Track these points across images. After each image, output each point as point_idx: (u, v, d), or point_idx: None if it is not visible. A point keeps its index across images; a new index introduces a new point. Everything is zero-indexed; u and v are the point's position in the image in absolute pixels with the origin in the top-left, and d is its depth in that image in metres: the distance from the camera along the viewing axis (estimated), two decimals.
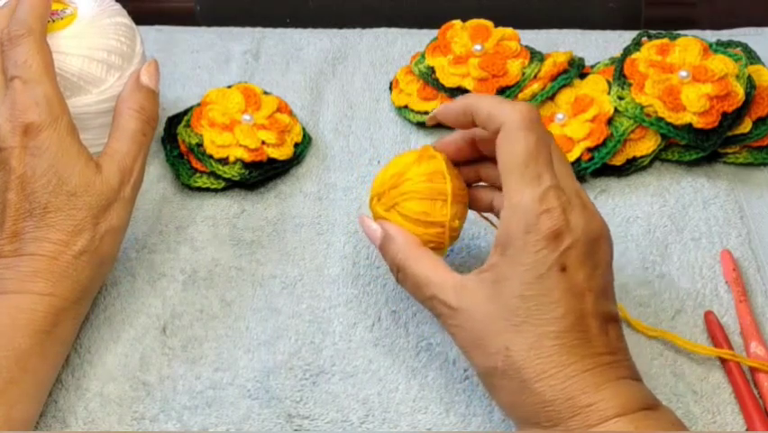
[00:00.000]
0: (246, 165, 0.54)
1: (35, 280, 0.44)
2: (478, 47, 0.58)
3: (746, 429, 0.43)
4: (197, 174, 0.55)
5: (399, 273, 0.44)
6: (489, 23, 0.60)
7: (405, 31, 0.67)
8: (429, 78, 0.58)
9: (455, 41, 0.59)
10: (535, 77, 0.57)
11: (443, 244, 0.45)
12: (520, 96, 0.57)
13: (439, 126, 0.58)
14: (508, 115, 0.41)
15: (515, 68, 0.57)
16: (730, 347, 0.46)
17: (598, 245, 0.41)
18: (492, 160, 0.43)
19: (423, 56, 0.60)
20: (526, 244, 0.39)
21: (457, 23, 0.60)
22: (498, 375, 0.40)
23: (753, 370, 0.45)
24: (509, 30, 0.59)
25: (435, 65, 0.58)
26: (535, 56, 0.58)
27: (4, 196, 0.45)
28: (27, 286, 0.44)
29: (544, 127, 0.42)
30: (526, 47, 0.58)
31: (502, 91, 0.57)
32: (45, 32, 0.47)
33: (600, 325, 0.40)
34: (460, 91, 0.57)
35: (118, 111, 0.49)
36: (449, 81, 0.57)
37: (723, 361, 0.45)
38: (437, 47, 0.59)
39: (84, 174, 0.46)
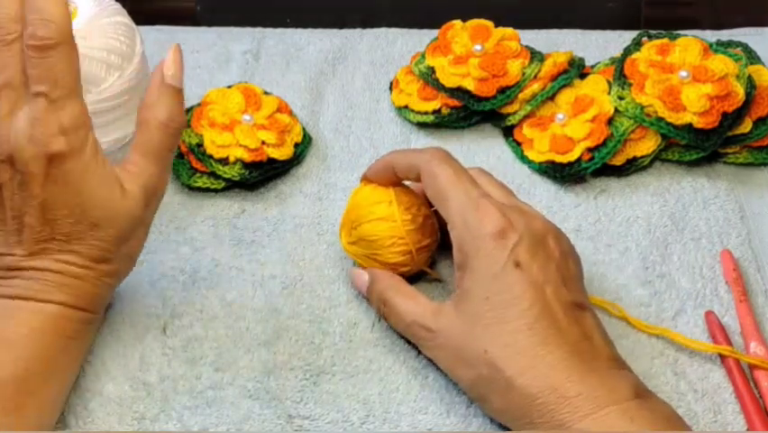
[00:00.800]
0: (246, 165, 0.54)
1: (62, 292, 0.43)
2: (478, 47, 0.58)
3: (747, 429, 0.43)
4: (197, 174, 0.55)
5: (384, 308, 0.46)
6: (490, 23, 0.59)
7: (405, 31, 0.67)
8: (429, 79, 0.58)
9: (455, 41, 0.59)
10: (536, 77, 0.57)
11: (413, 258, 0.48)
12: (520, 96, 0.57)
13: (438, 126, 0.59)
14: (421, 158, 0.46)
15: (515, 68, 0.57)
16: (731, 347, 0.46)
17: (545, 241, 0.43)
18: None
19: (423, 56, 0.60)
20: (478, 250, 0.42)
21: (457, 23, 0.60)
22: (484, 383, 0.41)
23: (752, 368, 0.45)
24: (509, 30, 0.59)
25: (436, 65, 0.58)
26: (536, 56, 0.58)
27: (23, 218, 0.42)
28: (54, 296, 0.43)
29: (457, 161, 0.46)
30: (527, 47, 0.58)
31: (503, 91, 0.57)
32: (73, 35, 0.42)
33: (568, 313, 0.41)
34: (460, 91, 0.57)
35: (143, 120, 0.44)
36: (449, 81, 0.57)
37: (723, 358, 0.45)
38: (437, 47, 0.59)
39: (108, 204, 0.43)
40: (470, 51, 0.58)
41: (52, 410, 0.43)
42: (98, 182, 0.42)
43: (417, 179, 0.46)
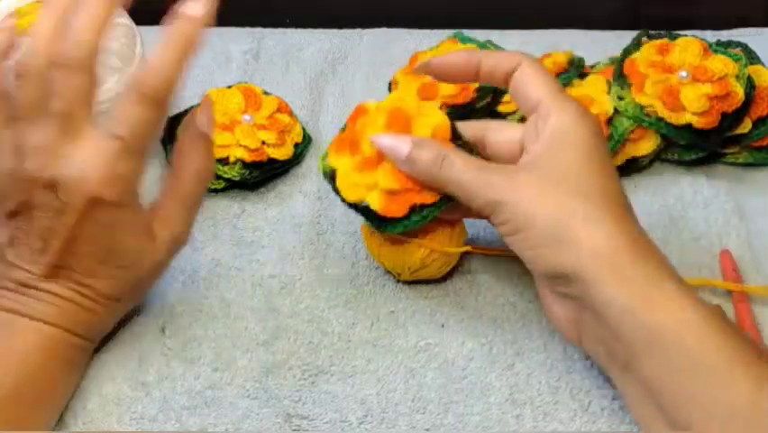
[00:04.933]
0: (246, 165, 0.54)
1: (68, 319, 0.43)
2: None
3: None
4: None
5: (444, 161, 0.43)
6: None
7: (405, 31, 0.67)
8: (329, 180, 0.47)
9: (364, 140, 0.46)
10: None
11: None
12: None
13: None
14: (524, 57, 0.44)
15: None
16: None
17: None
18: None
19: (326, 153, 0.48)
20: (577, 134, 0.42)
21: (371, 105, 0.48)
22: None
23: None
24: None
25: (338, 167, 0.46)
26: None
27: (48, 242, 0.42)
28: (60, 321, 0.43)
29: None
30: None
31: (415, 210, 0.45)
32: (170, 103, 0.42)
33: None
34: (359, 209, 0.46)
35: (179, 167, 0.45)
36: (350, 194, 0.46)
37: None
38: (344, 142, 0.47)
39: (137, 251, 0.44)
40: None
41: (48, 426, 0.43)
42: (132, 231, 0.43)
43: (500, 81, 0.45)
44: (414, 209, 0.45)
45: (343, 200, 0.46)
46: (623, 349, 0.39)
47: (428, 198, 0.44)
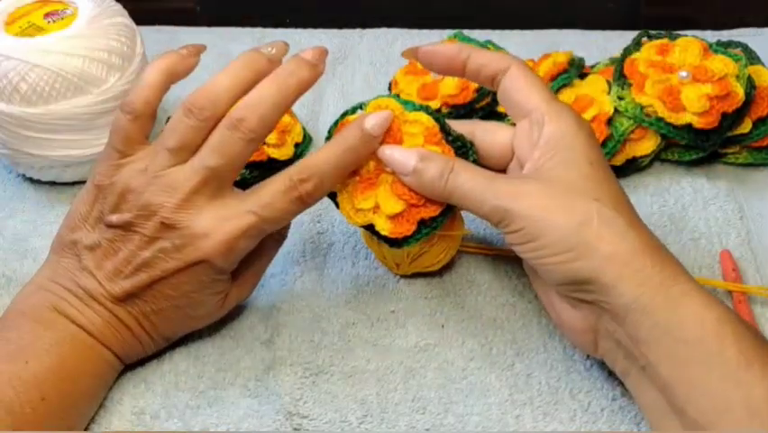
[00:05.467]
0: (246, 165, 0.54)
1: (120, 345, 0.44)
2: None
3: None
4: None
5: (450, 174, 0.43)
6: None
7: (405, 31, 0.67)
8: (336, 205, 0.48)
9: None
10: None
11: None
12: None
13: None
14: (513, 61, 0.44)
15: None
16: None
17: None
18: None
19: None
20: (576, 140, 0.42)
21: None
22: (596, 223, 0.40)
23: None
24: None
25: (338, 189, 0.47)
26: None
27: (136, 270, 0.43)
28: (109, 341, 0.44)
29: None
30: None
31: (424, 223, 0.45)
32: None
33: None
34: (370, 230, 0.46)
35: (267, 250, 0.47)
36: (357, 219, 0.46)
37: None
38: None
39: (209, 311, 0.45)
40: (379, 168, 0.45)
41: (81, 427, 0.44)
42: (215, 294, 0.45)
43: (485, 81, 0.45)
44: (422, 224, 0.45)
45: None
46: (642, 350, 0.39)
47: (432, 210, 0.45)
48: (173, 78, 0.45)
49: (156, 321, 0.44)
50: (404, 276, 0.50)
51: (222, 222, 0.42)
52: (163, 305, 0.44)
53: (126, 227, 0.43)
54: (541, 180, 0.42)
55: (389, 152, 0.44)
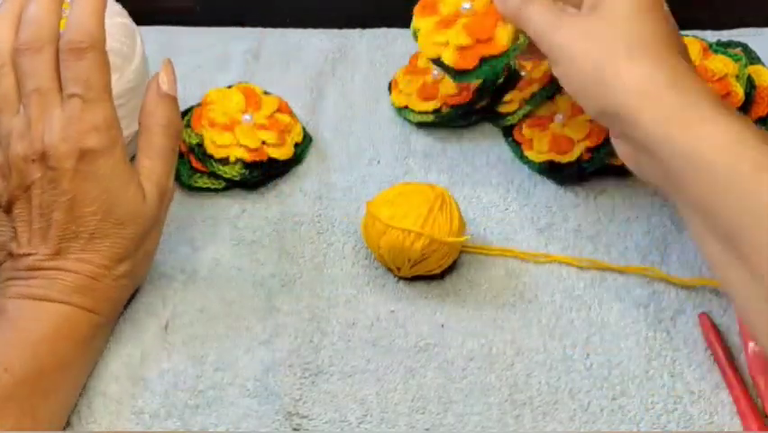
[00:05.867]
0: (246, 165, 0.54)
1: (78, 294, 0.44)
2: (466, 5, 0.51)
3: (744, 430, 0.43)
4: (198, 174, 0.55)
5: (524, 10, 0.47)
6: None
7: (405, 31, 0.67)
8: (415, 40, 0.52)
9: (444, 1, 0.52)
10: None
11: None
12: (519, 95, 0.57)
13: (438, 125, 0.59)
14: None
15: (503, 34, 0.49)
16: (724, 349, 0.46)
17: None
18: None
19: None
20: None
21: None
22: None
23: (749, 366, 0.45)
24: None
25: (421, 27, 0.52)
26: None
27: (51, 215, 0.44)
28: (71, 299, 0.44)
29: None
30: None
31: (486, 60, 0.49)
32: (106, 43, 0.45)
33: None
34: (438, 63, 0.51)
35: (145, 126, 0.47)
36: (430, 51, 0.51)
37: (717, 361, 0.45)
38: (426, 5, 0.53)
39: (132, 203, 0.45)
40: (457, 11, 0.51)
41: (65, 411, 0.44)
42: (125, 181, 0.45)
43: None
44: (483, 60, 0.49)
45: (424, 53, 0.51)
46: (670, 178, 0.41)
47: (495, 49, 0.49)
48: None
49: (96, 247, 0.45)
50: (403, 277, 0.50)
51: (63, 119, 0.44)
52: (90, 225, 0.44)
53: (17, 194, 0.44)
54: (591, 16, 0.44)
55: None
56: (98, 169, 0.44)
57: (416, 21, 0.52)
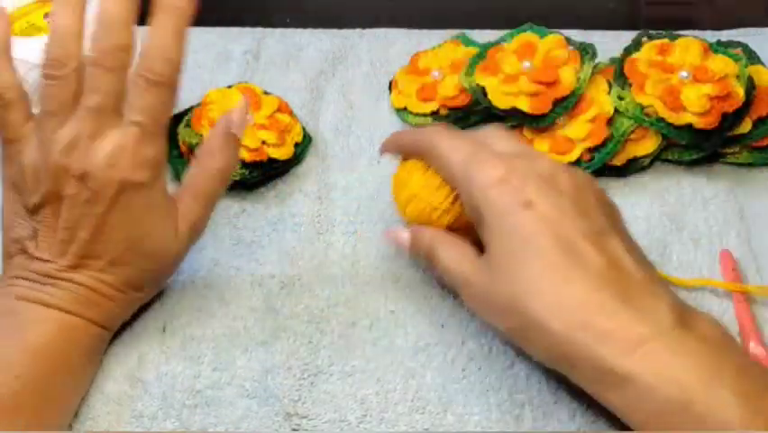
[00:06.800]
0: (246, 165, 0.54)
1: (89, 309, 0.44)
2: (527, 64, 0.55)
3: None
4: None
5: (431, 260, 0.45)
6: (534, 38, 0.58)
7: (405, 31, 0.67)
8: (481, 98, 0.56)
9: (504, 62, 0.57)
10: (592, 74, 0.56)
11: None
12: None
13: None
14: (423, 133, 0.46)
15: (567, 74, 0.55)
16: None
17: (555, 177, 0.42)
18: None
19: (471, 68, 0.57)
20: (486, 201, 0.41)
21: (507, 45, 0.58)
22: (519, 332, 0.40)
23: None
24: (554, 37, 0.57)
25: (486, 84, 0.56)
26: (585, 53, 0.57)
27: (76, 231, 0.43)
28: (82, 311, 0.44)
29: (457, 130, 0.47)
30: (575, 47, 0.57)
31: (558, 102, 0.54)
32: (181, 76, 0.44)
33: (589, 243, 0.39)
34: (515, 111, 0.55)
35: (204, 164, 0.46)
36: (502, 102, 0.55)
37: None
38: (486, 67, 0.57)
39: (162, 240, 0.45)
40: (519, 70, 0.56)
41: (68, 421, 0.44)
42: (161, 217, 0.45)
43: (421, 157, 0.46)
44: (556, 103, 0.54)
45: (496, 108, 0.55)
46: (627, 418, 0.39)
47: (564, 90, 0.54)
48: (7, 51, 0.46)
49: (116, 272, 0.44)
50: (402, 277, 0.50)
51: (117, 146, 0.42)
52: (116, 251, 0.44)
53: (50, 202, 0.43)
54: (481, 278, 0.42)
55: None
56: (136, 202, 0.43)
57: (479, 79, 0.56)
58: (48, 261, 0.44)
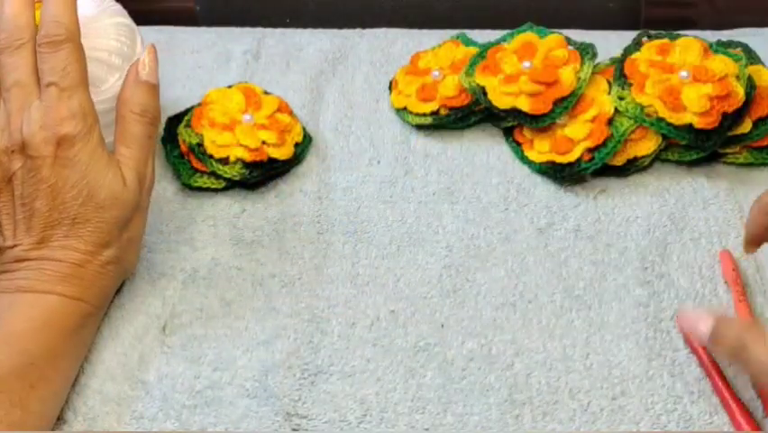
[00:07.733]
0: (246, 165, 0.54)
1: (64, 283, 0.45)
2: (527, 64, 0.56)
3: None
4: (198, 174, 0.55)
5: (741, 353, 0.40)
6: (534, 37, 0.58)
7: (405, 31, 0.67)
8: (481, 98, 0.56)
9: (504, 62, 0.57)
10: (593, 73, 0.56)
11: None
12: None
13: (440, 127, 0.59)
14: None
15: (567, 74, 0.55)
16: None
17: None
18: None
19: (471, 68, 0.58)
20: None
21: (507, 45, 0.58)
22: None
23: None
24: (554, 37, 0.58)
25: (486, 84, 0.56)
26: (586, 53, 0.57)
27: (33, 204, 0.45)
28: (57, 288, 0.45)
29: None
30: (575, 47, 0.57)
31: (558, 102, 0.55)
32: (80, 35, 0.46)
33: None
34: (515, 111, 0.55)
35: (120, 115, 0.48)
36: (502, 102, 0.55)
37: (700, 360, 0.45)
38: (486, 66, 0.57)
39: (112, 186, 0.46)
40: (519, 70, 0.56)
41: (55, 403, 0.44)
42: (103, 166, 0.46)
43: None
44: (556, 102, 0.54)
45: (496, 108, 0.55)
46: None
47: (564, 90, 0.54)
48: None
49: (80, 232, 0.45)
50: (402, 277, 0.50)
51: (41, 109, 0.45)
52: (72, 211, 0.45)
53: (2, 188, 0.45)
54: None
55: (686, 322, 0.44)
56: (76, 155, 0.45)
57: (479, 79, 0.56)
58: (15, 245, 0.45)
